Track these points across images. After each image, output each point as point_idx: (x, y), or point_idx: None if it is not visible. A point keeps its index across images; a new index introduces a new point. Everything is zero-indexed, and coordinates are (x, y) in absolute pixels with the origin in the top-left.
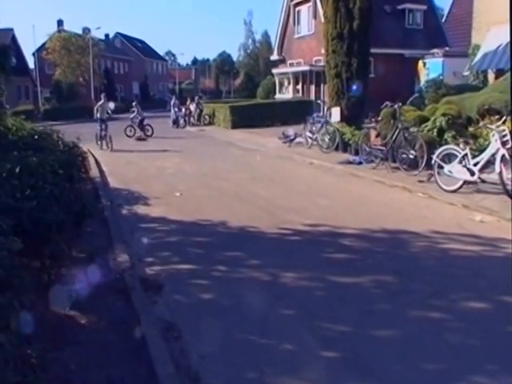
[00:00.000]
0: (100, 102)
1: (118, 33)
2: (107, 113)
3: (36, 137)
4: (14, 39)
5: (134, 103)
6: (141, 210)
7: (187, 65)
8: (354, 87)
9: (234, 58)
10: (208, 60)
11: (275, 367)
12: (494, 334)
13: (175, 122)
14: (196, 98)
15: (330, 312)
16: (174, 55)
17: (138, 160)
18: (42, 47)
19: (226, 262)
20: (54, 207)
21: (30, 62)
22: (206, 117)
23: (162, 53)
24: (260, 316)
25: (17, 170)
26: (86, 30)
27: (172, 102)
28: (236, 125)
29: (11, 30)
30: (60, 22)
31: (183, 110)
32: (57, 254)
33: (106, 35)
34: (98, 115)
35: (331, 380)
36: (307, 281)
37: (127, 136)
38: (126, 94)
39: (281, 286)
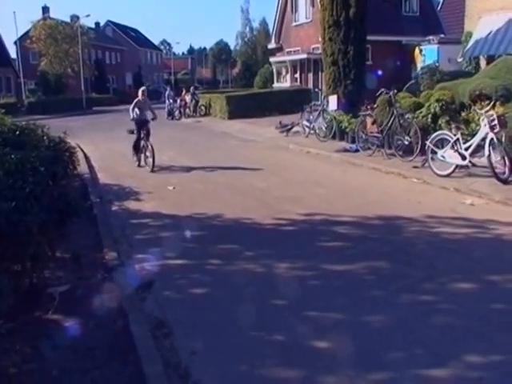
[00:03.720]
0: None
1: (110, 21)
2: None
3: (17, 132)
4: None
5: None
6: (132, 205)
7: (183, 54)
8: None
9: (232, 47)
10: (205, 49)
11: (266, 360)
12: (480, 312)
13: (170, 114)
14: (191, 88)
15: (323, 301)
16: (169, 44)
17: (129, 153)
18: (25, 35)
19: (219, 256)
20: (34, 208)
21: (12, 52)
22: (202, 108)
23: (156, 42)
24: (252, 308)
25: None
26: (75, 18)
27: (166, 93)
28: (233, 115)
29: None
30: (45, 9)
31: (178, 101)
32: (39, 256)
33: (97, 23)
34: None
35: (323, 370)
36: (301, 270)
37: None
38: (119, 85)
39: (275, 276)
